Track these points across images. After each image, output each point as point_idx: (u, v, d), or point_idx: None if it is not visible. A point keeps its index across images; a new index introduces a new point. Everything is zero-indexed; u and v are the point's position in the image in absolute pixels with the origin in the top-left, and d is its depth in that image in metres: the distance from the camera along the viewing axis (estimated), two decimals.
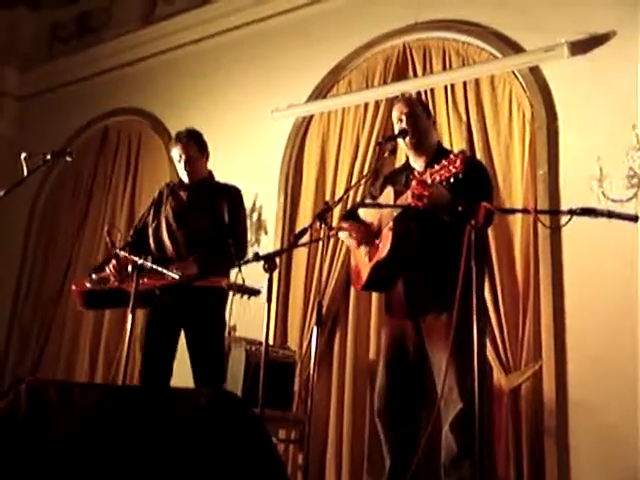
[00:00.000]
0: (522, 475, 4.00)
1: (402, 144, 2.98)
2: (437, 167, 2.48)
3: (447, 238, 2.58)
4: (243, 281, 3.19)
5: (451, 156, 2.43)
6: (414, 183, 2.54)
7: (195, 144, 3.65)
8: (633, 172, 4.11)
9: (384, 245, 2.76)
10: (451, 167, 2.42)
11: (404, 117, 2.93)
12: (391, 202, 2.77)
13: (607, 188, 4.13)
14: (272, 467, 1.90)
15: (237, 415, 1.83)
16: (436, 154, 2.80)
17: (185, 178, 3.64)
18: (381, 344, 2.99)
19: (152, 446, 1.71)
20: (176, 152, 3.63)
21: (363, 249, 2.93)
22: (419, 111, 2.97)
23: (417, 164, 2.97)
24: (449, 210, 2.48)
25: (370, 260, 2.85)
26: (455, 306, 2.32)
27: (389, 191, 2.87)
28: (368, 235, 2.92)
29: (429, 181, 2.50)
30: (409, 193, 2.59)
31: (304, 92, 5.55)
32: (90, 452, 1.74)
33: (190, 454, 1.73)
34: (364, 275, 2.88)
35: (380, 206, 2.87)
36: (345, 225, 3.01)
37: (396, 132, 2.97)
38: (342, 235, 3.03)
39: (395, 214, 2.73)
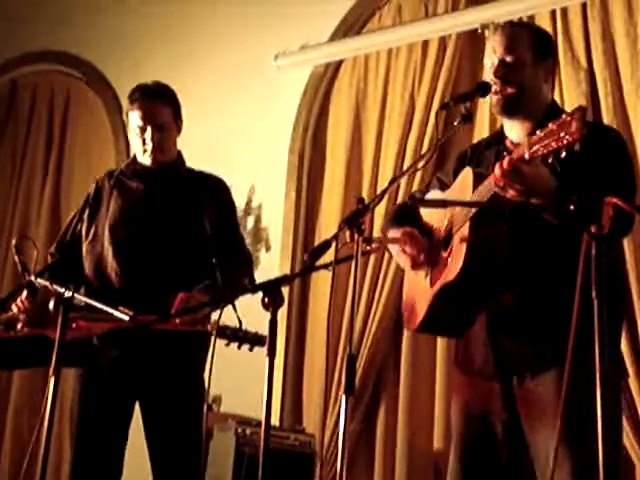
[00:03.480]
0: None
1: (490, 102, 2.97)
2: (540, 133, 2.44)
3: (558, 251, 2.54)
4: (240, 323, 3.15)
5: (563, 116, 2.39)
6: (502, 162, 2.50)
7: (169, 106, 3.69)
8: None
9: (455, 261, 2.72)
10: (563, 133, 2.35)
11: (496, 58, 2.90)
12: (470, 189, 2.72)
13: None
14: None
15: None
16: (545, 118, 2.77)
17: (146, 159, 3.66)
18: (451, 423, 2.96)
19: None
20: (136, 117, 3.65)
21: (422, 271, 2.91)
22: (524, 48, 2.93)
23: (514, 133, 2.96)
24: (554, 205, 2.45)
25: (433, 284, 2.82)
26: (567, 361, 2.29)
27: (467, 175, 2.84)
28: (431, 247, 2.89)
29: (526, 156, 2.46)
30: (493, 176, 2.55)
31: (326, 26, 5.58)
32: None
33: None
34: (422, 308, 2.86)
35: (445, 204, 2.84)
36: (392, 233, 2.99)
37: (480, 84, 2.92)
38: (392, 250, 3.01)
39: (473, 212, 2.69)
